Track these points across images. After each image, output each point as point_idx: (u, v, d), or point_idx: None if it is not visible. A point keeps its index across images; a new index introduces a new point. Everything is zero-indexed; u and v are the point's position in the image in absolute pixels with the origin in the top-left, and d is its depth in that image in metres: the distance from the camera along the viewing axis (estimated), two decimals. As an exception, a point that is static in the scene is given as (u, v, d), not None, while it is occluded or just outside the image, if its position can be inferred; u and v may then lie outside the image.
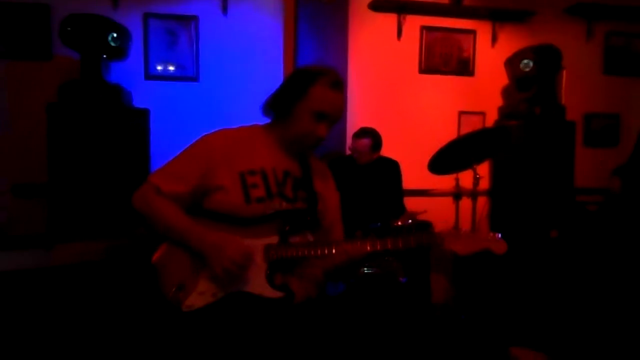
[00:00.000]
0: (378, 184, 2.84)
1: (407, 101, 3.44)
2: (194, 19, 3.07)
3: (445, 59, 3.47)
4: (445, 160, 2.54)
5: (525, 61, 3.21)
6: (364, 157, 2.82)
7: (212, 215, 1.34)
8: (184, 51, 3.07)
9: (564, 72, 3.39)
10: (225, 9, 3.11)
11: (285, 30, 3.19)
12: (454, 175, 2.82)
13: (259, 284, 1.31)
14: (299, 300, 1.33)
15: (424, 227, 2.56)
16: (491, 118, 3.53)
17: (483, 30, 3.51)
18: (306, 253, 1.33)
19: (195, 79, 3.09)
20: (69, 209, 2.55)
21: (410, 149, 3.26)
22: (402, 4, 3.28)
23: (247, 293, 1.30)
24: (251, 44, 3.17)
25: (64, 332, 1.96)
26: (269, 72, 3.17)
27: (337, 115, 1.40)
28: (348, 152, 3.01)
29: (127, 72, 2.95)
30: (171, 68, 3.05)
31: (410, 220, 2.46)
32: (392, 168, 2.91)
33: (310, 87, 1.36)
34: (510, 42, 3.48)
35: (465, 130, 3.32)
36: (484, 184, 3.37)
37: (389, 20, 3.38)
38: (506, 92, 3.56)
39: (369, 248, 1.32)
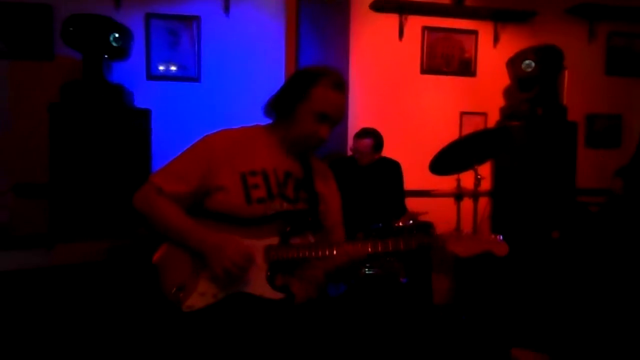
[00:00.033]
0: (379, 184, 2.83)
1: (408, 102, 3.44)
2: (195, 19, 3.07)
3: (446, 59, 3.46)
4: (447, 160, 2.54)
5: (527, 61, 3.20)
6: (366, 158, 2.81)
7: (212, 216, 1.34)
8: (185, 51, 3.07)
9: (566, 73, 3.38)
10: (227, 9, 3.11)
11: (287, 30, 3.19)
12: (455, 176, 2.82)
13: (259, 285, 1.31)
14: (299, 301, 1.33)
15: (425, 228, 2.56)
16: (493, 119, 3.53)
17: (485, 30, 3.50)
18: (307, 254, 1.33)
19: (196, 79, 3.10)
20: (71, 208, 2.55)
21: (411, 150, 3.26)
22: (404, 4, 3.28)
23: (247, 294, 1.30)
24: (253, 44, 3.17)
25: (65, 332, 1.97)
26: (271, 72, 3.17)
27: (339, 117, 1.40)
28: (349, 152, 3.01)
29: (129, 72, 2.95)
30: (173, 68, 3.05)
31: (411, 221, 2.46)
32: (393, 169, 2.90)
33: (312, 88, 1.36)
34: (512, 42, 3.48)
35: (467, 130, 3.31)
36: (486, 185, 3.36)
37: (390, 20, 3.37)
38: (508, 93, 3.56)
39: (370, 249, 1.32)
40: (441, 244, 1.33)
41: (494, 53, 3.50)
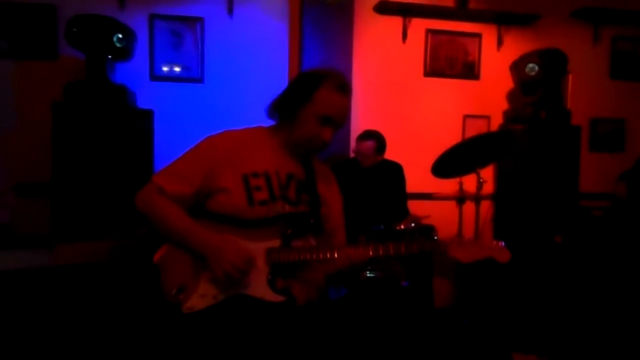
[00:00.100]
0: (382, 187, 2.83)
1: (411, 104, 3.43)
2: (199, 20, 3.07)
3: (450, 62, 3.46)
4: (449, 164, 2.53)
5: (531, 65, 3.19)
6: (368, 160, 2.81)
7: (214, 217, 1.34)
8: (189, 52, 3.07)
9: (570, 77, 3.37)
10: (230, 11, 3.11)
11: (290, 32, 3.19)
12: (457, 179, 2.81)
13: (260, 288, 1.30)
14: (300, 304, 1.32)
15: (427, 231, 2.55)
16: (496, 122, 3.52)
17: (488, 33, 3.49)
18: (308, 257, 1.32)
19: (200, 80, 3.10)
20: (72, 208, 2.55)
21: (414, 152, 3.25)
22: (407, 6, 3.28)
23: (248, 296, 1.30)
24: (256, 46, 3.17)
25: (66, 332, 1.97)
26: (274, 74, 3.17)
27: (342, 119, 1.40)
28: (352, 155, 3.00)
29: (132, 72, 2.96)
30: (177, 69, 3.05)
31: (413, 224, 2.45)
32: (395, 171, 2.90)
33: (316, 90, 1.36)
34: (516, 45, 3.47)
35: (470, 134, 3.31)
36: (488, 188, 3.35)
37: (394, 23, 3.37)
38: (511, 96, 3.55)
39: (371, 253, 1.32)
40: (443, 249, 1.32)
41: (498, 56, 3.50)
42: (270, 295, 1.30)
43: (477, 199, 2.59)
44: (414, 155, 3.16)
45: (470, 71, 3.48)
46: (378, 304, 2.12)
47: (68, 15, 2.66)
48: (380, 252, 1.31)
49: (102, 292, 2.12)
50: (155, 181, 1.35)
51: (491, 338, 2.55)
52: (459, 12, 3.36)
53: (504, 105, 3.55)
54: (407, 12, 3.33)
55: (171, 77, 3.06)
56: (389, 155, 2.89)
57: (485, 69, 3.50)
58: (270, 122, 1.49)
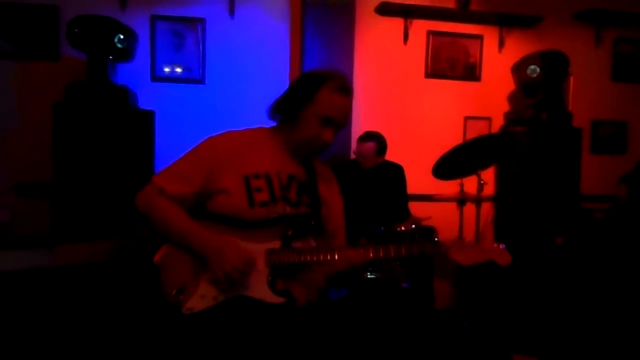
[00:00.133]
0: (382, 188, 2.82)
1: (412, 106, 3.43)
2: (200, 21, 3.07)
3: (451, 63, 3.46)
4: (450, 165, 2.53)
5: (532, 67, 3.19)
6: (369, 161, 2.81)
7: (215, 218, 1.34)
8: (190, 53, 3.07)
9: (572, 78, 3.37)
10: (232, 12, 3.12)
11: (291, 32, 3.19)
12: (458, 181, 2.81)
13: (260, 289, 1.30)
14: (300, 305, 1.32)
15: (428, 233, 2.55)
16: (497, 123, 3.51)
17: (490, 35, 3.49)
18: (308, 259, 1.32)
19: (201, 81, 3.10)
20: (73, 209, 2.55)
21: (415, 154, 3.24)
22: (409, 8, 3.27)
23: (248, 298, 1.29)
24: (257, 47, 3.17)
25: (65, 333, 1.96)
26: (275, 75, 3.17)
27: (343, 121, 1.40)
28: (353, 156, 3.00)
29: (133, 73, 2.96)
30: (178, 70, 3.05)
31: (413, 226, 2.45)
32: (396, 173, 2.90)
33: (317, 91, 1.36)
34: (517, 47, 3.46)
35: (471, 135, 3.30)
36: (489, 190, 3.35)
37: (395, 24, 3.37)
38: (513, 98, 3.54)
39: (371, 255, 1.31)
40: (444, 252, 1.32)
41: (499, 58, 3.49)
42: (270, 297, 1.30)
43: (477, 200, 2.58)
44: (415, 157, 3.15)
45: (471, 73, 3.48)
46: (378, 306, 2.11)
47: (69, 16, 2.66)
48: (381, 254, 1.31)
49: (102, 292, 2.12)
50: (155, 182, 1.35)
51: (492, 340, 2.55)
52: (461, 14, 3.36)
53: (505, 107, 3.55)
54: (409, 14, 3.33)
55: (172, 78, 3.06)
56: (389, 156, 2.89)
57: (486, 71, 3.50)
58: (272, 123, 1.48)
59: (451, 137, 3.31)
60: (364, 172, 2.83)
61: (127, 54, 2.74)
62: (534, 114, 3.26)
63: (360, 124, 3.15)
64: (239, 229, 1.33)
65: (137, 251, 2.26)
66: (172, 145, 2.85)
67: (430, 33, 3.40)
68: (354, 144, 2.97)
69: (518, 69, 3.31)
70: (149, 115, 2.74)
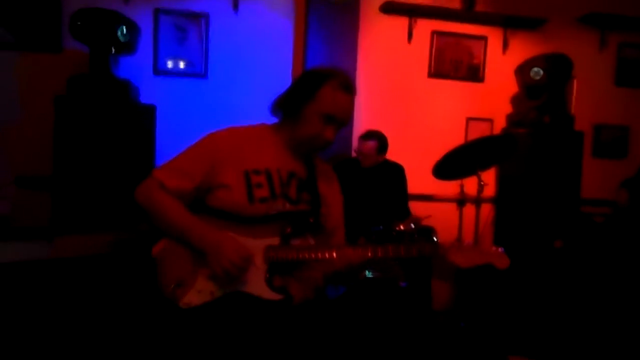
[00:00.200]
0: (382, 187, 2.82)
1: (415, 105, 3.42)
2: (204, 15, 3.06)
3: (455, 64, 3.45)
4: (450, 166, 2.53)
5: (536, 69, 3.18)
6: (370, 160, 2.81)
7: (214, 213, 1.34)
8: (193, 48, 3.07)
9: (575, 82, 3.36)
10: (235, 7, 3.11)
11: (295, 29, 3.18)
12: (458, 182, 2.81)
13: (257, 285, 1.30)
14: (297, 302, 1.32)
15: (427, 233, 2.55)
16: (499, 125, 3.51)
17: (494, 36, 3.48)
18: (306, 256, 1.32)
19: (203, 75, 3.09)
20: (73, 201, 2.55)
21: (416, 153, 3.24)
22: (414, 7, 3.26)
23: (245, 294, 1.29)
24: (261, 42, 3.16)
25: (64, 324, 1.97)
26: (278, 71, 3.16)
27: (345, 119, 1.40)
28: (354, 154, 3.00)
29: (136, 67, 2.95)
30: (181, 64, 3.05)
31: (413, 226, 2.45)
32: (396, 172, 2.89)
33: (320, 88, 1.35)
34: (521, 49, 3.45)
35: (473, 136, 3.30)
36: (490, 192, 3.35)
37: (399, 23, 3.36)
38: (516, 100, 3.54)
39: (370, 254, 1.31)
40: (442, 254, 1.32)
41: (503, 59, 3.48)
42: (267, 293, 1.30)
43: (477, 201, 2.58)
44: (416, 156, 3.15)
45: (475, 74, 3.47)
46: (376, 304, 2.11)
47: (73, 8, 2.65)
48: (379, 253, 1.31)
49: (101, 285, 2.12)
50: (156, 176, 1.35)
51: (488, 340, 2.55)
52: (465, 14, 3.35)
53: (507, 108, 3.54)
54: (413, 13, 3.32)
55: (175, 72, 3.05)
56: (390, 155, 2.89)
57: (490, 72, 3.49)
58: (274, 120, 1.48)
59: (453, 138, 3.31)
60: (364, 171, 2.83)
61: (129, 47, 2.73)
62: (536, 116, 3.26)
63: (362, 122, 3.14)
64: (238, 224, 1.33)
65: (136, 245, 2.27)
66: (173, 140, 2.83)
67: (435, 33, 3.39)
68: (355, 142, 2.96)
69: (521, 71, 3.30)
70: (151, 110, 2.73)
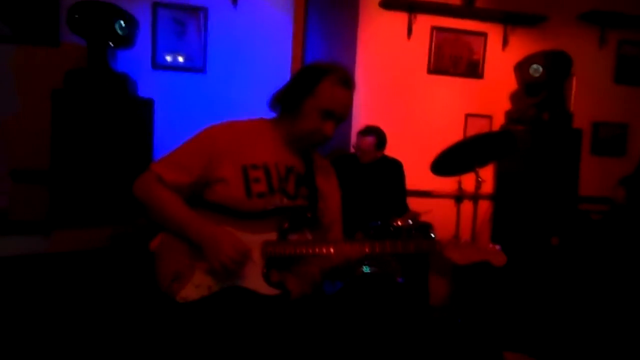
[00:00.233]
0: (380, 183, 2.82)
1: (414, 101, 3.42)
2: (203, 9, 3.05)
3: (454, 60, 3.44)
4: (449, 162, 2.52)
5: (535, 66, 3.17)
6: (368, 156, 2.80)
7: (212, 207, 1.34)
8: (191, 42, 3.05)
9: (574, 79, 3.35)
10: (234, 1, 3.09)
11: (294, 24, 3.17)
12: (457, 178, 2.81)
13: (255, 280, 1.30)
14: (294, 297, 1.32)
15: (425, 229, 2.55)
16: (498, 122, 3.51)
17: (494, 33, 3.47)
18: (304, 251, 1.32)
19: (202, 70, 3.08)
20: (70, 195, 2.55)
21: (415, 149, 3.24)
22: (413, 3, 3.25)
23: (242, 288, 1.30)
24: (260, 37, 3.15)
25: (61, 318, 1.97)
26: (277, 65, 3.15)
27: (344, 114, 1.39)
28: (352, 150, 2.99)
29: (134, 61, 2.94)
30: (179, 58, 3.03)
31: (410, 221, 2.45)
32: (395, 168, 2.89)
33: (319, 84, 1.35)
34: (521, 46, 3.45)
35: (472, 133, 3.29)
36: (488, 188, 3.35)
37: (399, 18, 3.35)
38: (515, 97, 3.53)
39: (367, 250, 1.31)
40: (439, 250, 1.32)
41: (503, 56, 3.48)
42: (264, 288, 1.30)
43: (475, 198, 2.58)
44: (415, 152, 3.15)
45: (474, 70, 3.47)
46: (373, 299, 2.12)
47: (70, 1, 2.62)
48: (377, 249, 1.31)
49: (98, 279, 2.12)
50: (154, 169, 1.35)
51: (484, 336, 2.56)
52: (465, 10, 3.34)
53: (506, 105, 3.54)
54: (413, 9, 3.30)
55: (173, 67, 3.04)
56: (389, 151, 2.88)
57: (489, 69, 3.48)
58: (272, 114, 1.48)
59: (452, 134, 3.31)
60: (362, 167, 2.83)
61: (127, 41, 2.72)
62: (535, 113, 3.26)
63: (360, 117, 3.14)
64: (236, 219, 1.33)
65: (133, 239, 2.27)
66: (171, 134, 2.83)
67: (434, 29, 3.38)
68: (353, 138, 2.96)
69: (521, 67, 3.29)
70: (149, 104, 2.72)
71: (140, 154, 2.63)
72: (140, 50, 2.95)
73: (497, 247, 1.31)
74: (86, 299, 2.04)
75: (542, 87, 3.25)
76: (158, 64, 3.02)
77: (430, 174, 2.59)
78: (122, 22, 2.62)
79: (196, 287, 1.29)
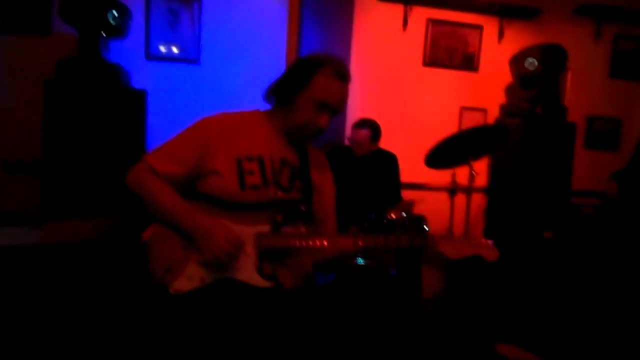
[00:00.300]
0: (375, 175, 2.82)
1: (409, 94, 3.41)
2: (197, 0, 3.01)
3: (450, 53, 3.43)
4: (443, 155, 2.53)
5: (530, 60, 3.18)
6: (362, 148, 2.80)
7: (205, 199, 1.33)
8: (185, 32, 3.02)
9: (569, 73, 3.36)
10: (229, -9, 3.06)
11: (289, 15, 3.14)
12: (451, 171, 2.82)
13: (248, 273, 1.30)
14: (287, 289, 1.33)
15: (418, 222, 2.56)
16: (493, 115, 3.51)
17: (490, 25, 3.46)
18: (297, 244, 1.32)
19: (195, 61, 3.05)
20: (63, 187, 2.53)
21: (409, 142, 3.24)
22: (409, -5, 3.24)
23: (235, 280, 1.30)
24: (254, 28, 3.12)
25: (53, 310, 1.96)
26: (271, 57, 3.13)
27: (339, 106, 1.39)
28: (347, 142, 2.99)
29: (127, 51, 2.90)
30: (174, 49, 3.00)
31: (404, 214, 2.45)
32: (389, 161, 2.89)
33: (314, 76, 1.35)
34: (516, 39, 3.44)
35: (466, 126, 3.30)
36: (482, 181, 3.36)
37: (395, 10, 3.33)
38: (510, 90, 3.54)
39: (360, 244, 1.32)
40: (432, 244, 1.32)
41: (498, 49, 3.47)
42: (257, 280, 1.30)
43: (469, 191, 2.59)
44: (409, 145, 3.15)
45: (469, 63, 3.46)
46: (366, 292, 2.13)
47: (63, -11, 2.59)
48: (370, 243, 1.31)
49: (91, 270, 2.11)
50: (147, 160, 1.34)
51: (476, 329, 2.59)
52: (461, 3, 3.32)
53: (501, 98, 3.54)
54: (409, 0, 3.29)
55: (167, 57, 3.01)
56: (384, 144, 2.88)
57: (484, 62, 3.48)
58: (267, 106, 1.47)
59: (446, 127, 3.31)
60: (356, 159, 2.83)
61: (120, 31, 2.68)
62: (529, 107, 3.26)
63: (355, 110, 3.13)
64: (230, 211, 1.32)
65: (126, 230, 2.26)
66: (164, 126, 2.82)
67: (430, 21, 3.37)
68: (348, 131, 2.95)
69: (516, 61, 3.29)
70: (141, 95, 2.70)
71: (133, 145, 2.62)
72: (133, 40, 2.92)
73: (490, 242, 1.32)
74: (79, 291, 2.03)
75: (537, 80, 3.25)
76: (151, 55, 2.99)
77: (425, 167, 2.60)
78: (114, 11, 2.58)
79: (189, 278, 1.29)
